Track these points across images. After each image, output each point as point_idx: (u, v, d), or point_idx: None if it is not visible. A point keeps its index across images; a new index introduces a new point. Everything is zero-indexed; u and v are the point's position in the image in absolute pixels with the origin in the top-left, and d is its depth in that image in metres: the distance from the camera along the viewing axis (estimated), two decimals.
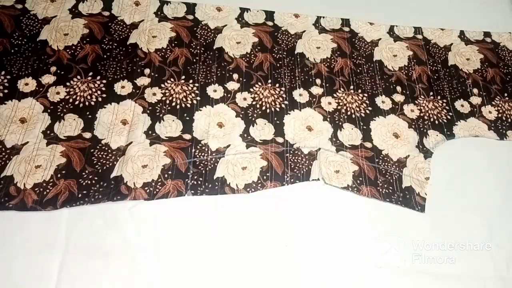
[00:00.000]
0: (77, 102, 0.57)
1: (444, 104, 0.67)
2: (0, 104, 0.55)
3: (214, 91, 0.62)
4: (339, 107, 0.63)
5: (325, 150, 0.59)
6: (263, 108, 0.61)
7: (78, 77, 0.59)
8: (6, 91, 0.56)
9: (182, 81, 0.62)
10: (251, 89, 0.63)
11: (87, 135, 0.55)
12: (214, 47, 0.66)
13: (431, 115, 0.65)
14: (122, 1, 0.68)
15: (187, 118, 0.59)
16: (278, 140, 0.59)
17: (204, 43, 0.66)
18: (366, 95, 0.65)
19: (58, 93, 0.57)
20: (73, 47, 0.62)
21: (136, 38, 0.64)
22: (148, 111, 0.58)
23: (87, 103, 0.57)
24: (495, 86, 0.70)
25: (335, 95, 0.65)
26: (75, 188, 0.51)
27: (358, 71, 0.68)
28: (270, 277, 0.49)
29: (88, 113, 0.57)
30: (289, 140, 0.59)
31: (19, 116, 0.55)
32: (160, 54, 0.63)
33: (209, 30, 0.68)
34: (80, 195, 0.51)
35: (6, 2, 0.64)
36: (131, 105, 0.58)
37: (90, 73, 0.60)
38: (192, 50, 0.65)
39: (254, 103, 0.62)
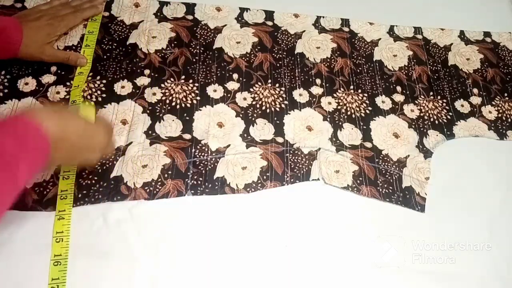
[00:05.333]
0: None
1: (444, 104, 0.67)
2: (0, 103, 0.55)
3: (214, 91, 0.62)
4: (339, 107, 0.63)
5: (325, 150, 0.59)
6: (263, 108, 0.61)
7: None
8: (6, 90, 0.56)
9: (182, 81, 0.62)
10: (251, 89, 0.63)
11: None
12: (214, 47, 0.66)
13: (431, 115, 0.65)
14: (121, 2, 0.68)
15: (187, 118, 0.59)
16: (278, 140, 0.59)
17: (204, 43, 0.66)
18: (366, 95, 0.65)
19: (58, 92, 0.57)
20: (73, 47, 0.62)
21: (136, 38, 0.64)
22: (148, 111, 0.58)
23: (87, 103, 0.57)
24: (495, 86, 0.70)
25: (335, 95, 0.65)
26: (75, 188, 0.51)
27: (358, 71, 0.68)
28: (270, 277, 0.49)
29: None
30: (289, 140, 0.59)
31: None
32: (160, 55, 0.63)
33: (208, 30, 0.68)
34: (80, 195, 0.50)
35: (5, 2, 0.64)
36: (131, 105, 0.58)
37: (91, 73, 0.60)
38: (192, 50, 0.65)
39: (254, 103, 0.62)
